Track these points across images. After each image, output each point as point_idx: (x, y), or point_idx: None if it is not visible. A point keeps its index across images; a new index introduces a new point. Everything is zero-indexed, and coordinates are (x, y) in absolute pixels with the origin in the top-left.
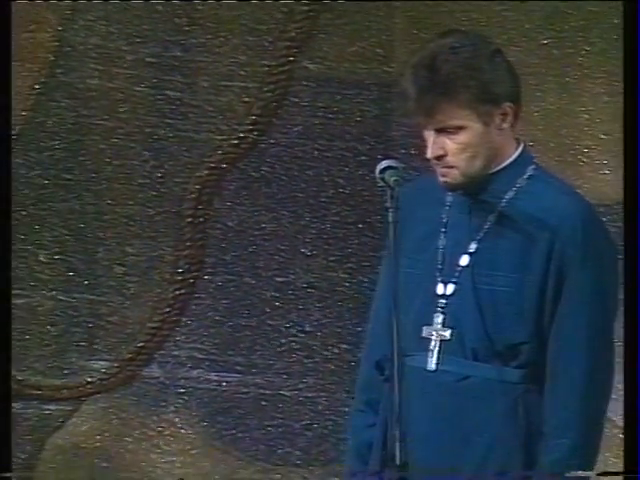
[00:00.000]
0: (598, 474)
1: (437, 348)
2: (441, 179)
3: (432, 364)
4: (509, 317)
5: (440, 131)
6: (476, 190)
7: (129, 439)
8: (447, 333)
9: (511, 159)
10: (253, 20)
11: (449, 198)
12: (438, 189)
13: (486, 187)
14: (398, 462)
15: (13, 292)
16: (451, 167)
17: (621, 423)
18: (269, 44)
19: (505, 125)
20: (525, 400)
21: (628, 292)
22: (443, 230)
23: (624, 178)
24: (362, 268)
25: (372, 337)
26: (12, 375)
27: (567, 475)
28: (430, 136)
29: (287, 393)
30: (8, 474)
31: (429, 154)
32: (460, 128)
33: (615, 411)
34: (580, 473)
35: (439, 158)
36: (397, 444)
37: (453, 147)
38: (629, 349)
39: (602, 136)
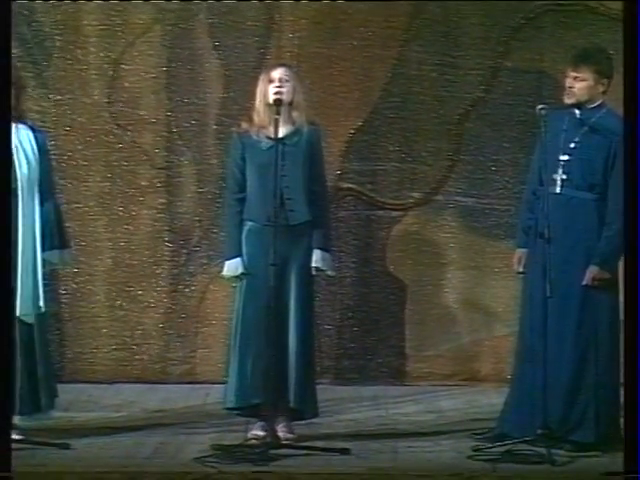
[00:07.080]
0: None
1: (560, 184)
2: (566, 99)
3: (558, 190)
4: (592, 171)
5: (575, 78)
6: (580, 114)
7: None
8: (565, 177)
9: (597, 103)
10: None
11: (566, 118)
12: (561, 117)
13: (585, 115)
14: (547, 236)
15: None
16: (573, 94)
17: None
18: (492, 40)
19: (600, 89)
20: (598, 209)
21: (628, 293)
22: (564, 133)
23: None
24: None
25: (530, 178)
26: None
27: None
28: (570, 78)
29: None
30: (8, 474)
31: (567, 84)
32: (584, 80)
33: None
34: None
35: (570, 88)
36: (547, 224)
37: (577, 85)
38: (629, 349)
39: None
